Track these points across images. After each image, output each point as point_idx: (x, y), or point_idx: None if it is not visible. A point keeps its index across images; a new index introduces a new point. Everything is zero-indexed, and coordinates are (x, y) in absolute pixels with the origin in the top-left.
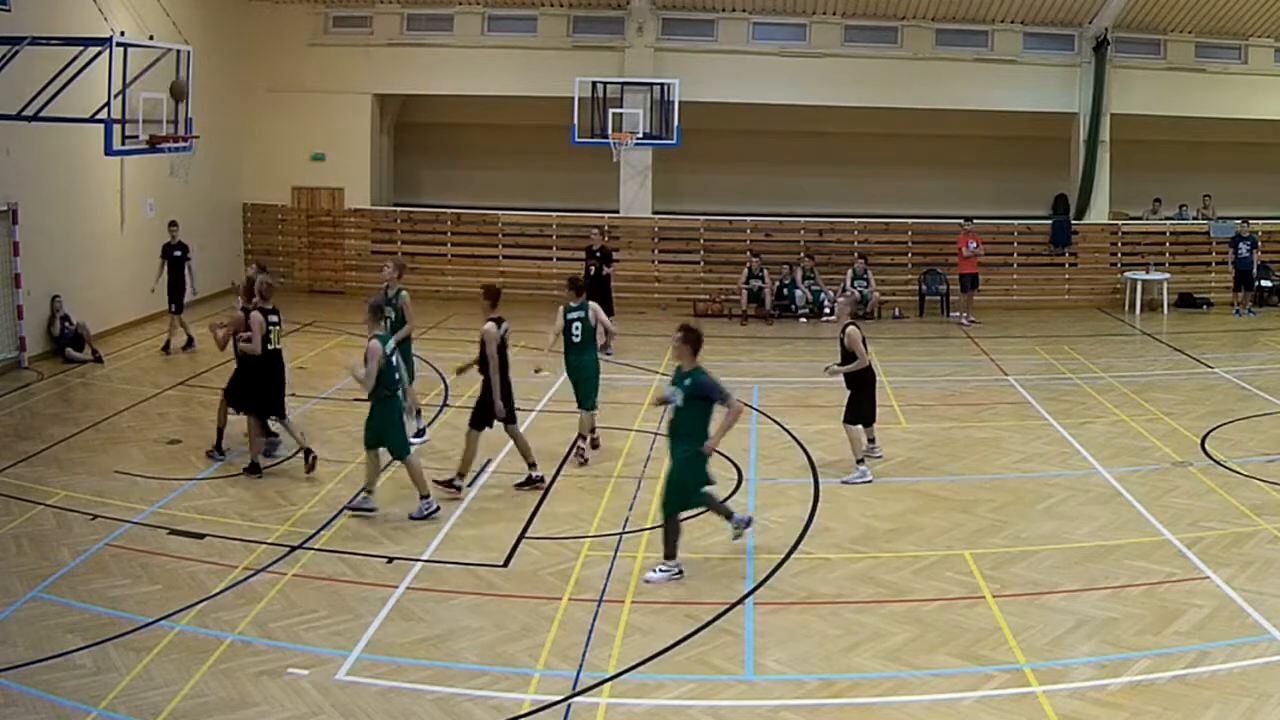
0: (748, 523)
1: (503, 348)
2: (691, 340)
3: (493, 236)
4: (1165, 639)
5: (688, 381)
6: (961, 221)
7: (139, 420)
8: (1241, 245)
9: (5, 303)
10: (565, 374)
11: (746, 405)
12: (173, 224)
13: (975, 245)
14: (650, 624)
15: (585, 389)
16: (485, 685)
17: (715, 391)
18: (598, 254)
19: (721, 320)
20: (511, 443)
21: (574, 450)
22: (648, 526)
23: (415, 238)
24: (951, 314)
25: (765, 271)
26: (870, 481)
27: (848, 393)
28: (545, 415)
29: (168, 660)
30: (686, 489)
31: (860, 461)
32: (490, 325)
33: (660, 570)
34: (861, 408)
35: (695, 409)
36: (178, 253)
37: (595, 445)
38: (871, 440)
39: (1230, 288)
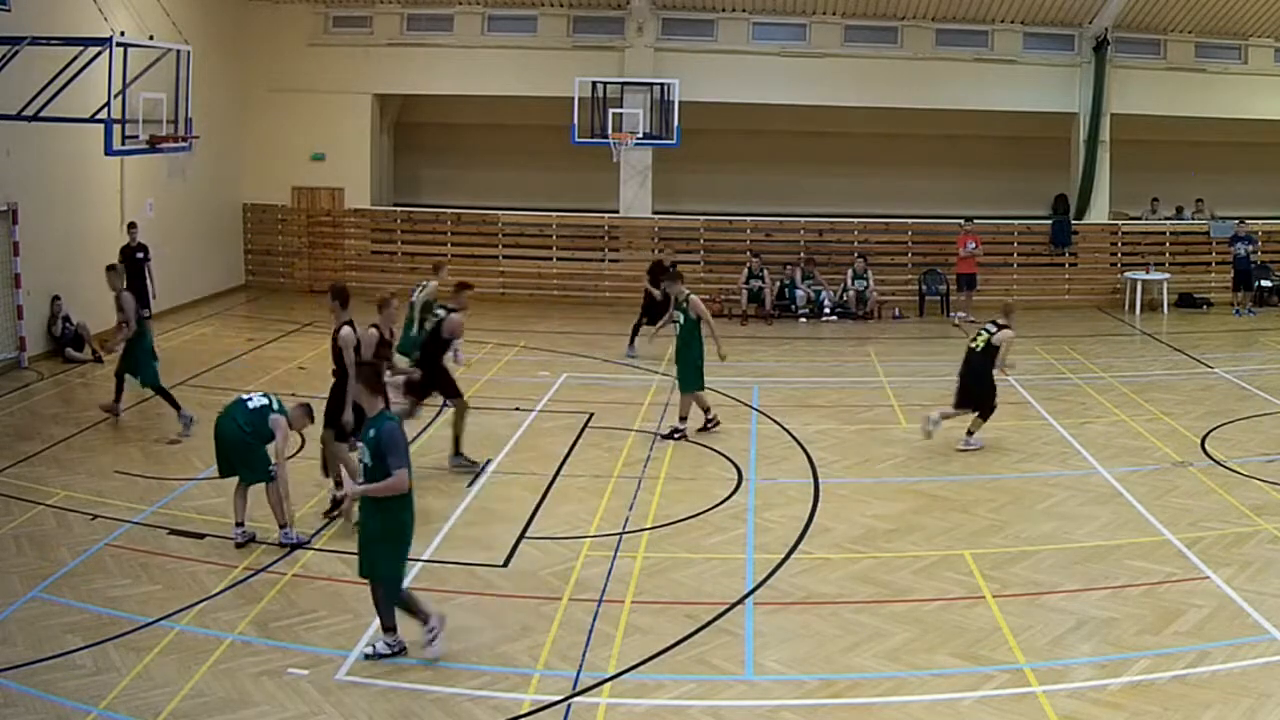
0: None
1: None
2: (366, 378)
3: (493, 236)
4: (1165, 639)
5: (372, 433)
6: (961, 222)
7: (139, 420)
8: (1240, 245)
9: (5, 303)
10: (700, 362)
11: (746, 405)
12: (131, 225)
13: (974, 245)
14: (650, 624)
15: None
16: (485, 685)
17: (393, 454)
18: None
19: (722, 320)
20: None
21: (709, 423)
22: (648, 526)
23: (415, 238)
24: (951, 313)
25: (765, 271)
26: (980, 448)
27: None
28: (545, 415)
29: (168, 660)
30: (400, 550)
31: (970, 432)
32: (348, 330)
33: (382, 644)
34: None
35: (384, 468)
36: (140, 254)
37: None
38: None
39: (1230, 288)
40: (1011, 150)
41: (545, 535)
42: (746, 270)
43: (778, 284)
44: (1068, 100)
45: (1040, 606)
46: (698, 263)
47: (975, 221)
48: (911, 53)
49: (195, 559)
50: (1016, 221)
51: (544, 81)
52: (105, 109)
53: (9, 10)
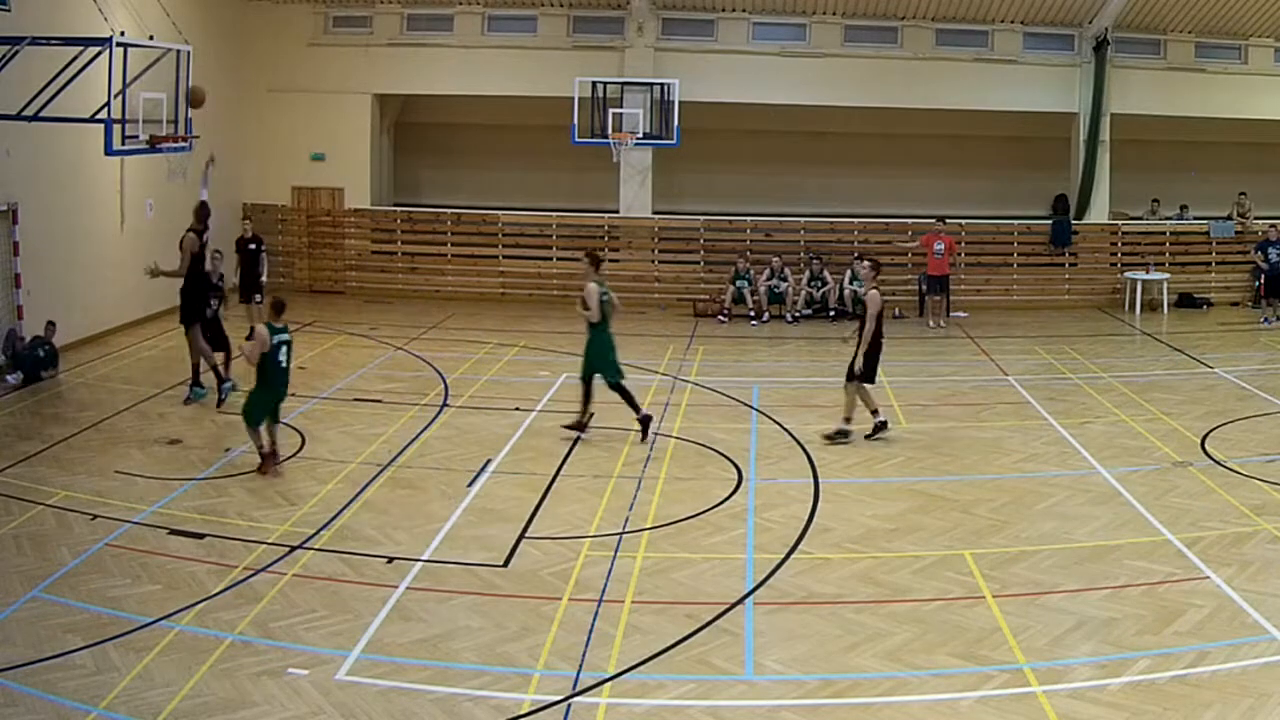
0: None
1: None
2: None
3: (493, 236)
4: (1165, 639)
5: None
6: (933, 220)
7: (139, 420)
8: (1271, 250)
9: (5, 303)
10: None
11: (746, 405)
12: (246, 218)
13: (942, 246)
14: (650, 624)
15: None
16: (485, 685)
17: None
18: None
19: (720, 319)
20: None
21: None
22: (648, 526)
23: (415, 238)
24: (951, 314)
25: (788, 271)
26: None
27: None
28: (545, 415)
29: (168, 660)
30: None
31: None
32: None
33: None
34: None
35: None
36: (252, 245)
37: None
38: None
39: (1259, 295)
40: (1011, 150)
41: (545, 535)
42: (768, 270)
43: (773, 286)
44: (1068, 100)
45: (1040, 606)
46: (698, 263)
47: (948, 222)
48: (911, 53)
49: (195, 559)
50: (1016, 221)
51: (544, 81)
52: (105, 109)
53: (9, 10)
